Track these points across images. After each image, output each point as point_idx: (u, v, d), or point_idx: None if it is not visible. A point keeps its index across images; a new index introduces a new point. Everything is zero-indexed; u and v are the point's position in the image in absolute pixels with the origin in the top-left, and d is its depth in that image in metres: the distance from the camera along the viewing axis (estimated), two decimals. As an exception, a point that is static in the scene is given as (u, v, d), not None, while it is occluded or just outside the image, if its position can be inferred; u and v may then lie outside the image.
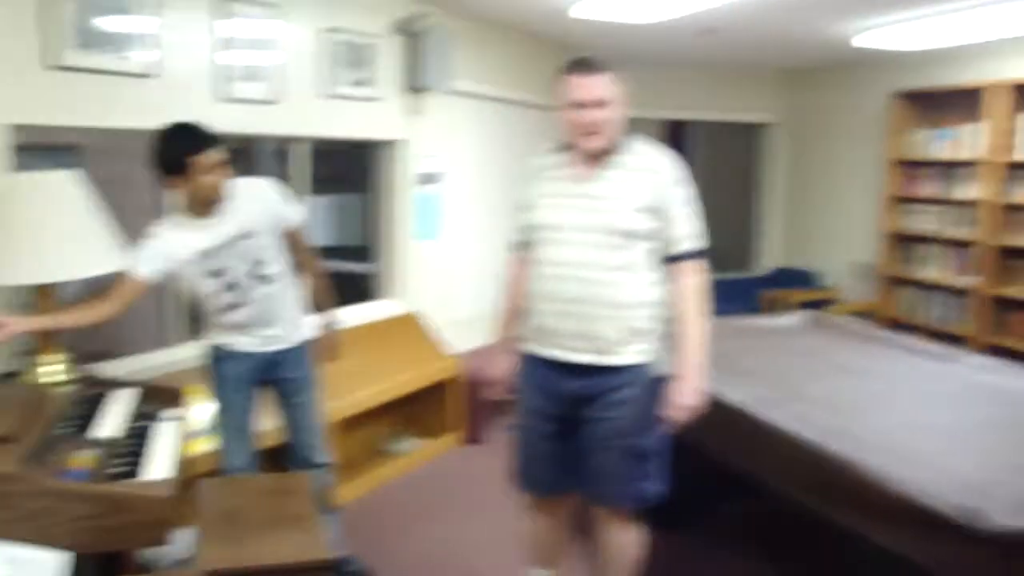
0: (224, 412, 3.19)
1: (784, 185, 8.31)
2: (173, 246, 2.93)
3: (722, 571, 3.66)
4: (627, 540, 2.94)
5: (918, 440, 2.74)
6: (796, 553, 3.79)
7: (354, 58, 4.65)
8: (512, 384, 2.98)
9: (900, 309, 6.67)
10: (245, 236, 3.01)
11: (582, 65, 2.65)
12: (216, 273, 3.00)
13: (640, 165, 2.70)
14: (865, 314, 6.62)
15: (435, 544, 3.87)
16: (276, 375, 3.23)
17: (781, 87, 8.14)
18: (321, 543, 2.49)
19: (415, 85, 4.99)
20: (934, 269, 6.40)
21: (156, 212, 3.66)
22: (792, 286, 7.58)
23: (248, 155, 5.82)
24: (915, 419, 3.02)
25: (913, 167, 6.54)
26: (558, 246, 2.72)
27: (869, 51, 6.38)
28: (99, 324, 2.87)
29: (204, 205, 2.95)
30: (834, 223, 7.67)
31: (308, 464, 3.28)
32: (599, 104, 2.62)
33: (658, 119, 8.04)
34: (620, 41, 6.27)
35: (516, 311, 2.94)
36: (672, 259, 2.70)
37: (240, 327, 3.12)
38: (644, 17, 5.14)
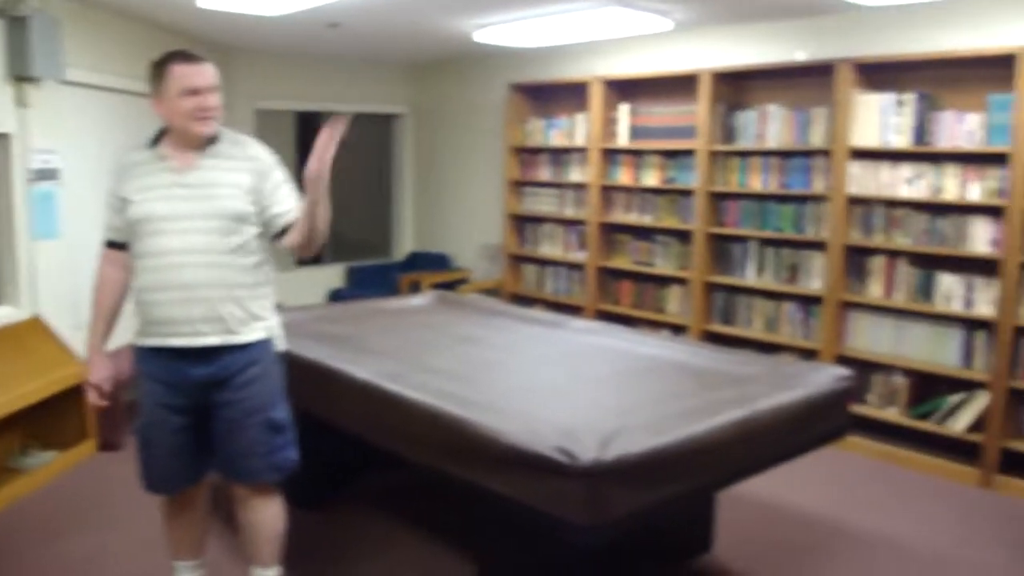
0: None
1: (416, 174, 8.68)
2: None
3: (363, 540, 3.83)
4: (270, 514, 3.01)
5: (525, 397, 3.06)
6: (433, 515, 4.07)
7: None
8: (115, 386, 2.99)
9: (524, 284, 7.25)
10: None
11: (189, 55, 2.76)
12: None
13: (238, 153, 2.84)
14: (493, 291, 7.14)
15: (79, 560, 3.66)
16: None
17: (410, 79, 8.48)
18: None
19: (21, 74, 4.63)
20: (552, 246, 7.03)
21: None
22: (427, 269, 7.98)
23: None
24: (524, 379, 3.36)
25: (531, 154, 7.12)
26: (168, 236, 2.75)
27: (489, 46, 6.85)
28: None
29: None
30: (463, 208, 8.15)
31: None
32: (214, 90, 2.76)
33: (291, 111, 8.05)
34: (249, 32, 6.24)
35: (109, 312, 2.95)
36: (279, 235, 2.86)
37: None
38: (270, 9, 5.16)
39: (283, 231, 2.85)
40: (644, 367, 3.57)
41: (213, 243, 2.75)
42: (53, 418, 4.75)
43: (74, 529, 3.97)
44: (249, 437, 2.86)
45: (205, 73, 2.75)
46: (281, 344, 2.98)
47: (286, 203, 2.86)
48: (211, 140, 2.82)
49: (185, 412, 2.86)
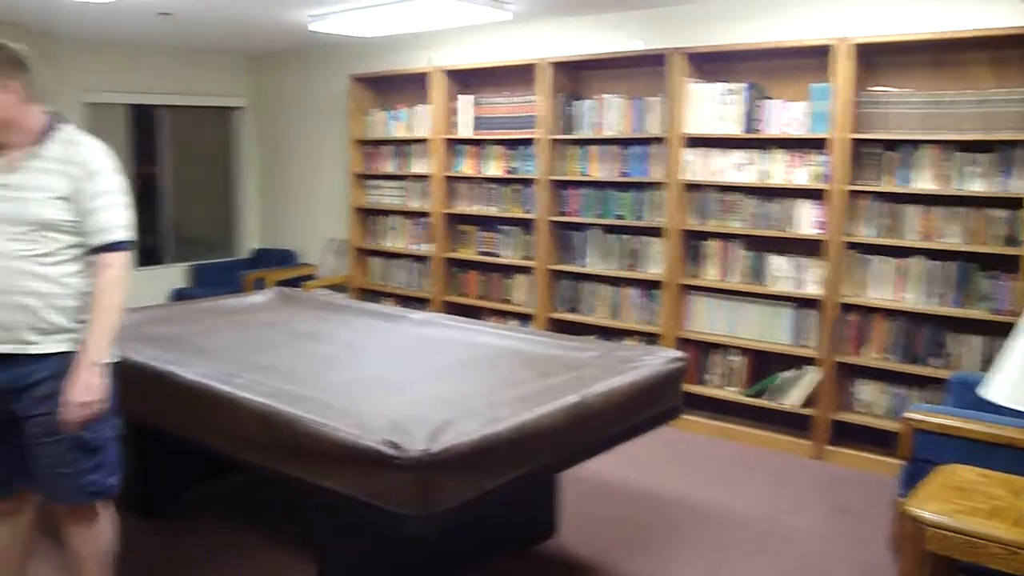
0: None
1: (259, 168, 8.45)
2: None
3: (203, 546, 3.68)
4: (91, 534, 2.83)
5: (359, 391, 3.00)
6: (274, 516, 3.95)
7: None
8: None
9: (371, 278, 7.15)
10: None
11: None
12: None
13: (60, 156, 2.65)
14: (340, 286, 7.01)
15: None
16: None
17: (249, 71, 8.24)
18: None
19: None
20: (397, 239, 6.95)
21: None
22: (273, 266, 7.77)
23: None
24: (359, 374, 3.28)
25: (374, 146, 7.02)
26: None
27: (328, 37, 6.71)
28: None
29: None
30: (308, 202, 7.97)
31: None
32: None
33: (124, 104, 7.68)
34: (75, 18, 5.91)
35: None
36: (93, 251, 2.67)
37: None
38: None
39: (99, 249, 2.66)
40: (481, 356, 3.55)
41: (12, 248, 2.57)
42: None
43: None
44: (53, 456, 2.67)
45: None
46: (105, 355, 2.72)
47: (101, 219, 2.65)
48: (43, 139, 2.64)
49: None
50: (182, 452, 3.39)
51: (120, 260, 2.69)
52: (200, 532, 3.83)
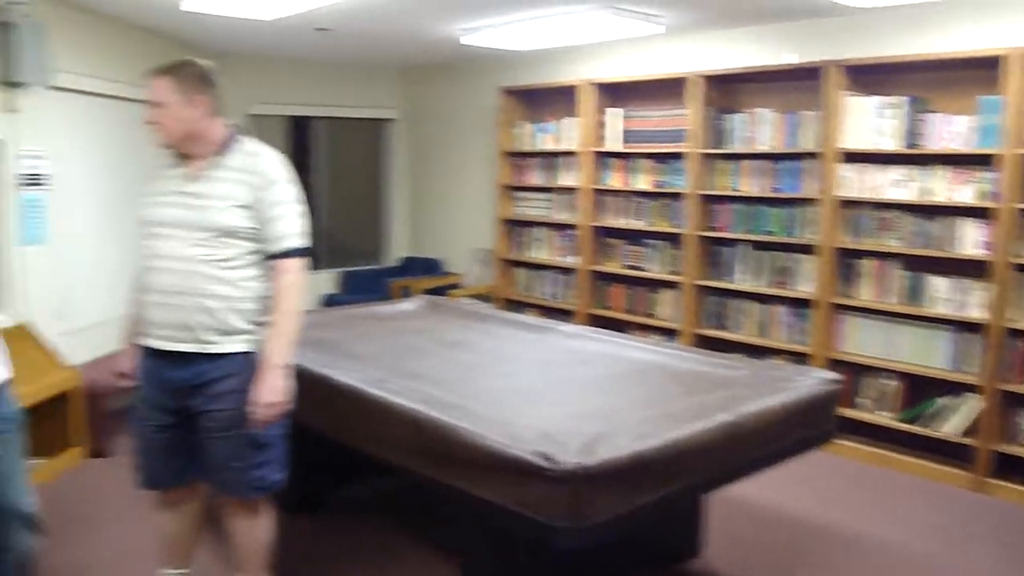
0: None
1: (408, 179, 8.66)
2: None
3: (352, 546, 3.81)
4: (255, 527, 2.99)
5: (508, 401, 3.05)
6: (421, 520, 4.04)
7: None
8: (101, 394, 3.00)
9: (516, 289, 7.23)
10: None
11: (156, 69, 2.82)
12: None
13: (241, 166, 2.81)
14: (484, 296, 7.11)
15: (65, 569, 3.59)
16: None
17: (401, 83, 8.46)
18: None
19: (9, 79, 4.60)
20: (543, 250, 7.01)
21: None
22: (419, 274, 7.95)
23: None
24: (508, 384, 3.34)
25: (521, 157, 7.11)
26: (161, 240, 2.81)
27: (478, 50, 6.83)
28: None
29: None
30: (455, 213, 8.13)
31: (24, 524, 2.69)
32: (154, 104, 2.80)
33: (282, 116, 8.03)
34: (239, 35, 6.22)
35: (138, 303, 2.96)
36: (271, 256, 2.80)
37: None
38: (257, 13, 5.15)
39: (277, 256, 2.80)
40: (629, 371, 3.55)
41: (195, 253, 2.75)
42: (40, 425, 4.70)
43: (61, 537, 3.90)
44: (225, 450, 2.83)
45: (151, 88, 2.80)
46: (287, 358, 2.81)
47: (278, 227, 2.78)
48: (225, 150, 2.82)
49: (168, 412, 2.87)
50: (333, 453, 3.51)
51: (297, 266, 2.82)
52: (349, 531, 3.96)
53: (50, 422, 4.71)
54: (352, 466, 4.03)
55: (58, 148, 5.19)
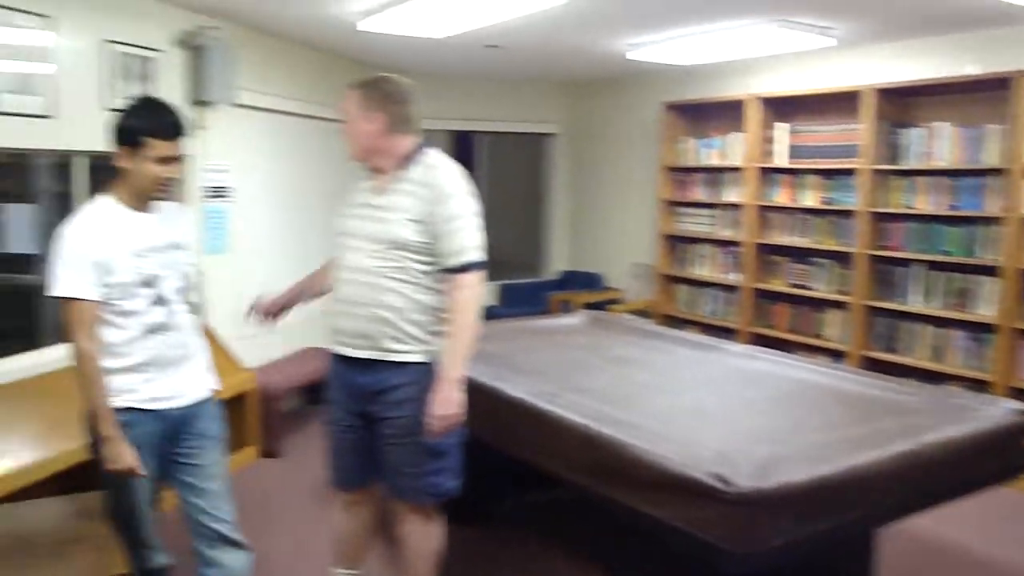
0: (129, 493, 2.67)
1: (568, 193, 8.70)
2: (103, 249, 2.53)
3: (517, 558, 3.86)
4: (425, 533, 3.07)
5: (679, 420, 3.04)
6: (586, 534, 4.06)
7: (135, 71, 4.57)
8: (269, 309, 3.27)
9: (677, 305, 7.16)
10: (177, 246, 2.77)
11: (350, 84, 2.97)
12: (148, 283, 2.64)
13: (419, 179, 2.88)
14: (644, 311, 7.07)
15: None
16: (185, 431, 2.81)
17: (563, 98, 8.53)
18: (116, 561, 2.47)
19: (199, 99, 4.95)
20: (705, 267, 6.92)
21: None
22: (579, 288, 7.98)
23: (22, 170, 5.56)
24: (678, 402, 3.32)
25: (684, 173, 7.05)
26: (350, 252, 2.94)
27: (642, 65, 6.82)
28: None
29: (141, 198, 2.64)
30: (615, 227, 8.12)
31: (226, 542, 2.91)
32: (345, 120, 2.95)
33: (446, 130, 8.24)
34: (409, 53, 6.42)
35: (305, 285, 3.26)
36: (448, 270, 2.85)
37: (152, 364, 2.66)
38: (431, 32, 5.31)
39: (454, 270, 2.84)
40: (798, 392, 3.48)
41: (373, 264, 2.86)
42: (221, 424, 4.98)
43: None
44: (401, 456, 2.94)
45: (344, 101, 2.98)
46: (463, 371, 2.87)
47: (455, 242, 2.82)
48: (408, 163, 2.91)
49: (354, 414, 3.01)
50: (499, 465, 3.56)
51: (474, 280, 2.87)
52: (514, 543, 4.01)
53: (227, 422, 4.97)
54: (521, 477, 4.10)
55: (238, 162, 5.52)
